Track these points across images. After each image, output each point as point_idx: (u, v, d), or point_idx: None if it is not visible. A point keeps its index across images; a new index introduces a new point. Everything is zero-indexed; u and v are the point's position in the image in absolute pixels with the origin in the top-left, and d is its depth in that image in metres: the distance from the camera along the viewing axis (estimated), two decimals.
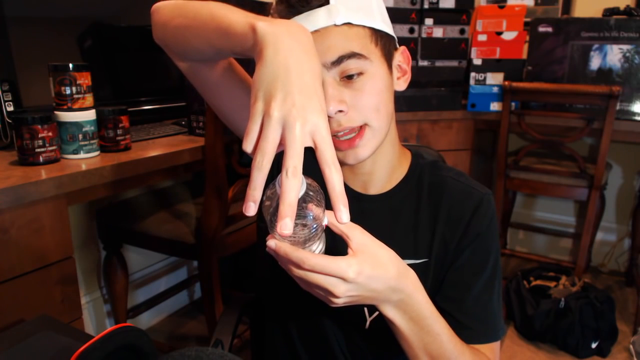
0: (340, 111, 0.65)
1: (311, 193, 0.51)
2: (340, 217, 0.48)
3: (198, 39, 0.62)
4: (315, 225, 0.53)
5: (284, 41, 0.50)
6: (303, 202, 0.50)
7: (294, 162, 0.46)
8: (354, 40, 0.64)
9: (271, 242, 0.53)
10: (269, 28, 0.50)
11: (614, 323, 1.92)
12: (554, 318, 1.88)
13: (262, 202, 0.52)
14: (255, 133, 0.48)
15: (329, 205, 0.55)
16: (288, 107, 0.47)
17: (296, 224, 0.52)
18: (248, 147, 0.48)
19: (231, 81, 0.72)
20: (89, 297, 1.79)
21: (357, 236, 0.56)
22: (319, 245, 0.56)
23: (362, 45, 0.65)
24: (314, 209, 0.52)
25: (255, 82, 0.49)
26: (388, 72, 0.69)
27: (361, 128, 0.67)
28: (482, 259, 0.73)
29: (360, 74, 0.65)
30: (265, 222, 0.54)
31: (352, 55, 0.64)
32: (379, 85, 0.67)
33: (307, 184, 0.50)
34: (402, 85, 0.74)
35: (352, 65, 0.64)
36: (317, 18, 0.63)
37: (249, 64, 0.57)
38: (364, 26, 0.65)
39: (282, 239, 0.53)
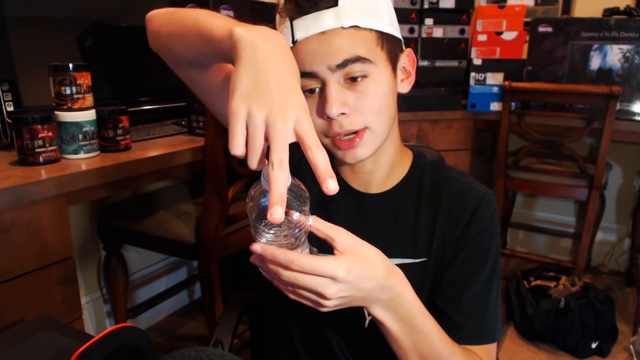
0: (343, 114, 0.65)
1: (295, 193, 0.51)
2: (328, 187, 0.47)
3: (183, 45, 0.64)
4: (298, 229, 0.52)
5: (260, 44, 0.50)
6: (287, 205, 0.49)
7: (279, 155, 0.46)
8: (360, 43, 0.64)
9: (257, 246, 0.53)
10: (246, 32, 0.51)
11: (614, 323, 1.92)
12: (554, 318, 1.88)
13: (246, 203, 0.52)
14: (240, 135, 0.48)
15: (313, 211, 0.54)
16: (269, 106, 0.47)
17: (280, 228, 0.51)
18: (236, 150, 0.48)
19: (227, 85, 0.73)
20: (89, 297, 1.79)
21: (342, 237, 0.56)
22: (303, 251, 0.55)
23: (367, 49, 0.65)
24: (297, 214, 0.51)
25: (234, 83, 0.49)
26: (392, 75, 0.69)
27: (362, 130, 0.67)
28: (480, 258, 0.73)
29: (364, 76, 0.65)
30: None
31: (358, 59, 0.64)
32: (382, 89, 0.67)
33: (292, 183, 0.50)
34: (405, 87, 0.74)
35: (356, 69, 0.64)
36: (324, 19, 0.63)
37: None
38: (371, 29, 0.65)
39: (267, 244, 0.53)
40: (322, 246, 0.57)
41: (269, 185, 0.46)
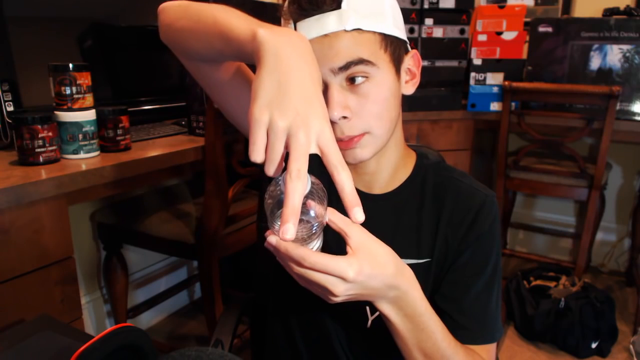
0: (344, 117, 0.65)
1: (314, 191, 0.51)
2: (355, 217, 0.50)
3: (200, 42, 0.63)
4: (316, 224, 0.53)
5: (284, 49, 0.50)
6: (305, 198, 0.50)
7: (298, 164, 0.46)
8: (363, 46, 0.64)
9: (272, 238, 0.52)
10: (270, 36, 0.50)
11: (614, 323, 1.92)
12: (554, 318, 1.88)
13: (263, 198, 0.52)
14: (261, 142, 0.48)
15: (331, 204, 0.54)
16: (292, 115, 0.47)
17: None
18: (257, 157, 0.48)
19: (237, 82, 0.73)
20: (89, 297, 1.79)
21: (356, 234, 0.56)
22: (317, 242, 0.56)
23: (370, 51, 0.64)
24: (316, 207, 0.52)
25: (256, 89, 0.49)
26: (395, 78, 0.69)
27: (362, 135, 0.67)
28: (482, 259, 0.73)
29: (366, 78, 0.65)
30: (265, 220, 0.54)
31: (360, 61, 0.63)
32: (385, 92, 0.67)
33: (311, 182, 0.50)
34: (410, 89, 0.73)
35: (358, 70, 0.64)
36: (327, 22, 0.63)
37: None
38: (374, 32, 0.64)
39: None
40: (337, 238, 0.57)
41: (284, 197, 0.46)
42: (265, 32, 0.51)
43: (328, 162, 0.48)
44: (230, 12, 0.58)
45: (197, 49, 0.64)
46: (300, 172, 0.46)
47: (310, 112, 0.48)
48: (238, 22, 0.55)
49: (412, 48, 0.74)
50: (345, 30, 0.63)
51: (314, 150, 0.48)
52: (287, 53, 0.50)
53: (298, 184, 0.46)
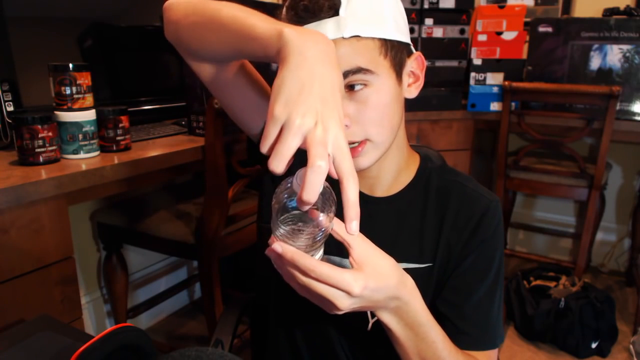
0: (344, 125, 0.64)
1: (322, 197, 0.50)
2: (350, 228, 0.49)
3: (216, 39, 0.61)
4: (321, 233, 0.52)
5: (309, 50, 0.49)
6: (313, 206, 0.49)
7: (320, 161, 0.45)
8: (361, 54, 0.63)
9: (277, 246, 0.51)
10: (296, 35, 0.50)
11: (614, 323, 1.92)
12: (554, 318, 1.88)
13: (262, 197, 0.52)
14: (273, 136, 0.47)
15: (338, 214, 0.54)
16: (312, 115, 0.47)
17: (303, 229, 0.51)
18: (265, 149, 0.48)
19: (243, 81, 0.72)
20: (89, 297, 1.79)
21: (359, 245, 0.55)
22: (319, 251, 0.55)
23: (369, 59, 0.63)
24: (322, 216, 0.51)
25: (277, 86, 0.48)
26: (396, 83, 0.67)
27: (362, 142, 0.66)
28: (485, 265, 0.72)
29: (365, 85, 0.64)
30: (267, 222, 0.53)
31: (358, 70, 0.63)
32: (385, 99, 0.66)
33: (323, 186, 0.49)
34: (413, 92, 0.72)
35: (356, 79, 0.63)
36: (325, 29, 0.62)
37: (267, 66, 0.56)
38: (373, 38, 0.63)
39: (285, 242, 0.52)
40: (339, 248, 0.57)
41: (302, 184, 0.45)
42: (291, 32, 0.51)
43: (340, 169, 0.47)
44: (247, 10, 0.58)
45: (212, 46, 0.63)
46: (321, 168, 0.45)
47: (329, 115, 0.47)
48: (260, 21, 0.55)
49: (418, 52, 0.72)
50: (344, 38, 0.61)
51: (329, 149, 0.47)
52: (312, 54, 0.49)
53: (321, 172, 0.45)
